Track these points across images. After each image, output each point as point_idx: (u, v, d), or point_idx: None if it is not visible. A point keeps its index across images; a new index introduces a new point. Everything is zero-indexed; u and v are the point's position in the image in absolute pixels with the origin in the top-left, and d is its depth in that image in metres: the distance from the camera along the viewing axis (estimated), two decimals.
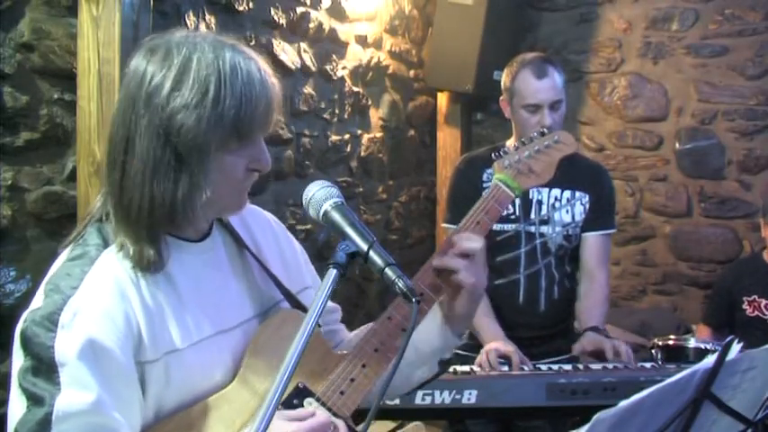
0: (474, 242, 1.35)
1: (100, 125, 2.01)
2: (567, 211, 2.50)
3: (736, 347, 1.18)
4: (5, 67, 1.94)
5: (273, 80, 1.19)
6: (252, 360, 1.23)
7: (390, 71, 3.97)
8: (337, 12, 3.45)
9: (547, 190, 2.50)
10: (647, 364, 2.33)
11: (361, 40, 3.68)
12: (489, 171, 2.55)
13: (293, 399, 1.24)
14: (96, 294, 1.11)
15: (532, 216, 2.49)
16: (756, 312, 3.19)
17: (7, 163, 1.96)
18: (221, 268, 1.28)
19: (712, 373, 1.16)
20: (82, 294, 1.10)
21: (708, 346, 2.67)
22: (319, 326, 1.35)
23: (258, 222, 1.42)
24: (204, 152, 1.12)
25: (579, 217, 2.49)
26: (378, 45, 3.83)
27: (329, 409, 1.24)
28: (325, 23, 3.35)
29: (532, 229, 2.48)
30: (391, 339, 1.33)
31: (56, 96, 2.06)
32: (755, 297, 3.20)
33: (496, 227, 2.49)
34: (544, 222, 2.48)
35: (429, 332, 1.42)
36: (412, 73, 4.21)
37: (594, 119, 4.44)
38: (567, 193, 2.52)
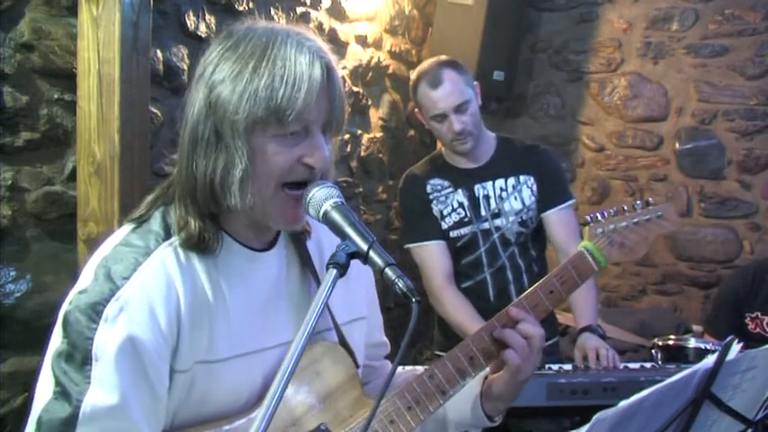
0: (534, 329, 1.33)
1: (100, 125, 2.01)
2: (516, 198, 2.49)
3: (736, 347, 1.18)
4: (5, 67, 1.94)
5: (329, 70, 1.13)
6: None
7: (390, 71, 3.97)
8: (337, 12, 3.45)
9: (491, 183, 2.50)
10: (647, 364, 2.33)
11: (361, 40, 3.67)
12: (432, 182, 2.54)
13: None
14: (145, 291, 1.08)
15: (483, 213, 2.49)
16: (758, 329, 3.16)
17: (7, 163, 1.96)
18: (275, 284, 1.24)
19: (712, 373, 1.16)
20: (131, 288, 1.08)
21: (708, 346, 2.66)
22: (357, 366, 1.31)
23: (331, 239, 1.33)
24: (236, 127, 1.10)
25: (529, 200, 2.49)
26: (378, 45, 3.82)
27: None
28: (325, 23, 3.35)
29: (486, 225, 2.49)
30: (427, 400, 1.28)
31: (56, 96, 2.06)
32: (759, 314, 3.17)
33: (453, 233, 2.51)
34: (496, 216, 2.49)
35: (463, 402, 1.37)
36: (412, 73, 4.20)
37: (594, 119, 4.44)
38: (512, 180, 2.51)
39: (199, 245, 1.14)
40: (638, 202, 1.51)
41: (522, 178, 2.50)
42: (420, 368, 1.38)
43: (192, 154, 1.12)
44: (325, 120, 1.15)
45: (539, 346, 1.33)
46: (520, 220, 2.48)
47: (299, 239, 1.30)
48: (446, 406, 1.38)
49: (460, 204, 2.51)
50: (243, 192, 1.12)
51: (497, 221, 2.48)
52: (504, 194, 2.49)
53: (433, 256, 2.51)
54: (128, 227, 1.18)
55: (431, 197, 2.53)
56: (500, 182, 2.50)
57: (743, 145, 4.14)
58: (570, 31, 4.46)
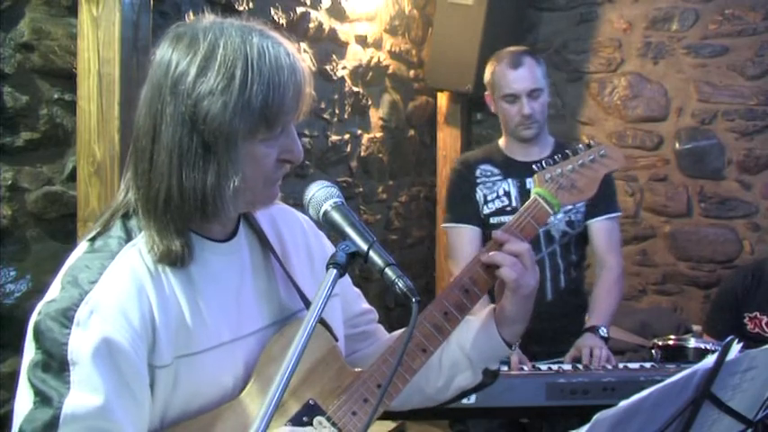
0: (520, 245, 1.35)
1: (100, 125, 2.01)
2: None
3: (736, 347, 1.18)
4: (5, 67, 1.94)
5: (303, 65, 1.15)
6: (263, 371, 1.19)
7: (390, 71, 3.97)
8: (337, 12, 3.45)
9: None
10: (647, 364, 2.33)
11: (361, 40, 3.68)
12: (482, 167, 2.60)
13: (303, 415, 1.21)
14: (115, 292, 1.08)
15: None
16: (757, 329, 3.15)
17: (7, 163, 1.96)
18: (243, 272, 1.24)
19: (712, 373, 1.15)
20: (100, 290, 1.07)
21: (708, 346, 2.66)
22: (336, 340, 1.31)
23: (288, 224, 1.37)
24: (231, 140, 1.09)
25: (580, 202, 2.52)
26: (378, 45, 3.83)
27: (339, 430, 1.21)
28: (325, 23, 3.35)
29: None
30: (409, 360, 1.29)
31: (56, 96, 2.06)
32: (757, 313, 3.16)
33: (494, 219, 2.55)
34: None
35: (477, 334, 1.37)
36: (412, 73, 4.21)
37: (594, 119, 4.44)
38: None
39: (179, 260, 1.13)
40: (581, 145, 1.55)
41: None
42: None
43: (179, 168, 1.10)
44: (297, 112, 1.17)
45: (529, 260, 1.34)
46: (567, 219, 2.52)
47: (250, 219, 1.30)
48: (462, 344, 1.38)
49: (506, 193, 2.55)
50: (236, 200, 1.13)
51: None
52: None
53: (464, 239, 2.56)
54: (85, 242, 1.17)
55: (478, 181, 2.58)
56: None
57: (743, 145, 4.14)
58: (570, 31, 4.46)
